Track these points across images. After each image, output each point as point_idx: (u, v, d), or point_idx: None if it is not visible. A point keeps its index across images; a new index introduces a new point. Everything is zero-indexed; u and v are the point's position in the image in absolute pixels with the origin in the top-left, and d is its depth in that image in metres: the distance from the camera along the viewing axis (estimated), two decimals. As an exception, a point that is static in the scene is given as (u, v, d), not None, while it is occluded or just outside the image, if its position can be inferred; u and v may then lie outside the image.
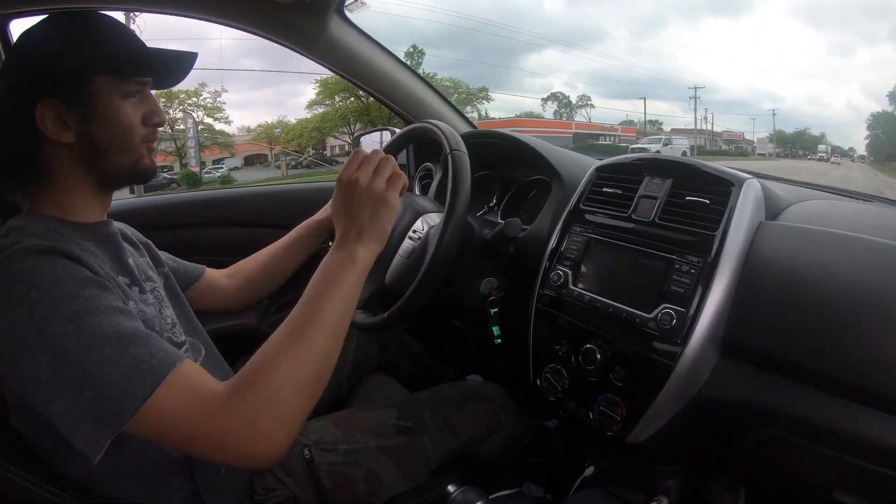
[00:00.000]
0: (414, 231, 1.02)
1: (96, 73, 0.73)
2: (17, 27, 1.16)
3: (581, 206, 1.01)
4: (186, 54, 0.81)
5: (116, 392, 0.60)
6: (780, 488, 0.90)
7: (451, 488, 0.85)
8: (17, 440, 0.73)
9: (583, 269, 0.95)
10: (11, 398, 0.71)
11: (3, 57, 1.15)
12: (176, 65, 0.82)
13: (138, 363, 0.61)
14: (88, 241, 0.76)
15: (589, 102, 41.03)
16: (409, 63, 1.58)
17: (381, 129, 1.58)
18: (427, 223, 1.02)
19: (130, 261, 0.83)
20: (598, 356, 0.87)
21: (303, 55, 1.34)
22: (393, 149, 1.21)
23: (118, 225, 0.87)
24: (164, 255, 1.02)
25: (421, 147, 1.61)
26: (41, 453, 0.73)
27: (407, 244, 1.02)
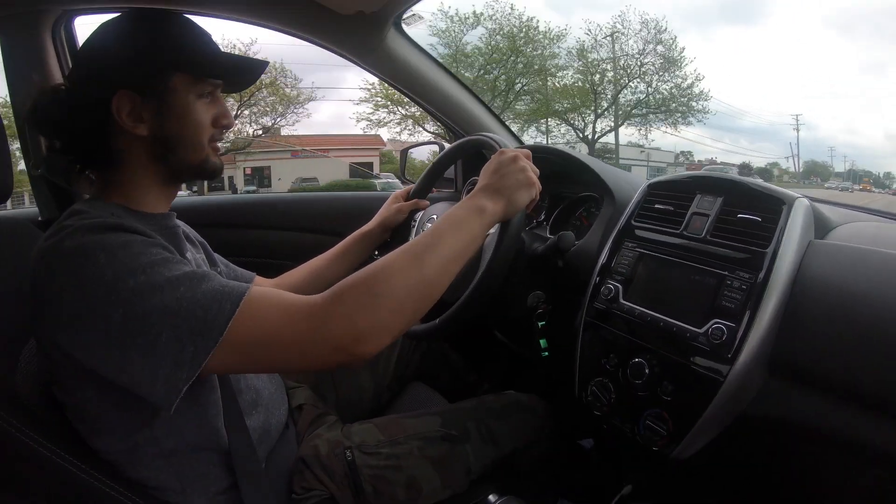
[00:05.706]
0: None
1: (176, 70, 0.77)
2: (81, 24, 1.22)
3: (633, 221, 1.02)
4: (258, 62, 0.85)
5: (197, 323, 0.61)
6: None
7: (492, 497, 0.85)
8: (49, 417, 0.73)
9: (634, 283, 0.96)
10: (62, 368, 0.71)
11: (66, 49, 1.22)
12: (248, 71, 0.86)
13: (214, 293, 0.63)
14: (153, 231, 0.79)
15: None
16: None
17: (430, 143, 1.60)
18: None
19: (188, 255, 0.85)
20: (647, 370, 0.87)
21: (358, 65, 1.38)
22: (445, 161, 1.23)
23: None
24: (217, 257, 1.04)
25: (469, 161, 1.63)
26: (79, 426, 0.73)
27: None
